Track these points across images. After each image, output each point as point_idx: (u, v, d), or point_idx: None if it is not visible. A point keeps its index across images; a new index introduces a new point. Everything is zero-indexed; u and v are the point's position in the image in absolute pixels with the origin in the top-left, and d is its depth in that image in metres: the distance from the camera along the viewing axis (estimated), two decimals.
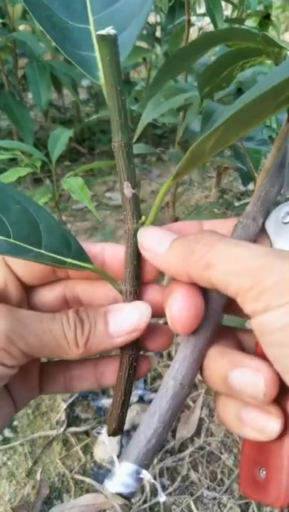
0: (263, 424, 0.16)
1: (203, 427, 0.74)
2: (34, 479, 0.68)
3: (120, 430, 0.21)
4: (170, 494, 0.66)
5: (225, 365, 0.17)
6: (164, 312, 0.20)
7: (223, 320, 0.20)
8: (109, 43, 0.17)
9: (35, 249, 0.19)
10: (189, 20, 0.71)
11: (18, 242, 0.19)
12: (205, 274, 0.17)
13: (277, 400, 0.16)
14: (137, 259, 0.20)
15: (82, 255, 0.20)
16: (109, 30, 0.17)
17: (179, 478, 0.68)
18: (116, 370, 0.22)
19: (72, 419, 0.76)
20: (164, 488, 0.66)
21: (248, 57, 0.46)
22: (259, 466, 0.16)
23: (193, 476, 0.68)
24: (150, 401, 0.77)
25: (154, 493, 0.65)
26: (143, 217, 0.20)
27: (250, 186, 1.10)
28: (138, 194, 0.19)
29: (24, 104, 1.16)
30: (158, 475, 0.68)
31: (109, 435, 0.21)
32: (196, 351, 0.18)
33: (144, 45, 1.21)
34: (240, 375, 0.16)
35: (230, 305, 0.19)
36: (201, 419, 0.76)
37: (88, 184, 0.71)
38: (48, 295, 0.22)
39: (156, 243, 0.18)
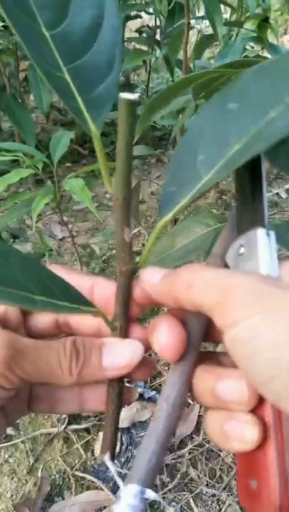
0: (243, 433, 0.17)
1: (202, 425, 0.75)
2: (35, 476, 0.68)
3: (114, 451, 0.23)
4: (170, 491, 0.66)
5: (211, 380, 0.19)
6: (148, 348, 0.22)
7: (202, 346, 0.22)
8: (131, 108, 0.18)
9: (45, 299, 0.20)
10: (189, 23, 0.72)
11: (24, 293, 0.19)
12: (187, 294, 0.19)
13: (255, 412, 0.18)
14: (128, 298, 0.22)
15: (86, 302, 0.21)
16: (132, 95, 0.17)
17: (178, 476, 0.68)
18: (99, 397, 0.24)
19: (72, 417, 0.76)
20: (163, 484, 0.67)
21: (249, 66, 0.47)
22: (251, 478, 0.17)
23: (193, 473, 0.69)
24: (150, 399, 0.78)
25: (153, 490, 0.66)
26: (138, 258, 0.22)
27: None
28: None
29: (26, 107, 1.17)
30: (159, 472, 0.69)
31: (103, 453, 0.23)
32: (184, 375, 0.20)
33: (144, 48, 1.22)
34: (225, 384, 0.18)
35: (208, 334, 0.22)
36: (200, 417, 0.76)
37: (89, 185, 0.72)
38: (42, 319, 0.24)
39: (151, 276, 0.21)
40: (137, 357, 0.21)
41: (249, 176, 0.21)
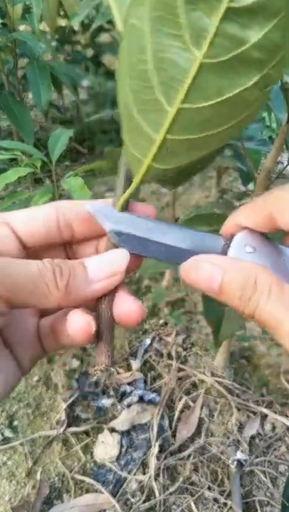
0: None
1: (204, 427, 0.74)
2: (34, 479, 0.68)
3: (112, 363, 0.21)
4: (171, 494, 0.66)
5: None
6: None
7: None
8: None
9: None
10: None
11: None
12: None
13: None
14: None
15: None
16: None
17: (179, 479, 0.68)
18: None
19: (72, 419, 0.76)
20: (164, 487, 0.66)
21: None
22: None
23: (194, 476, 0.68)
24: (150, 401, 0.77)
25: (153, 493, 0.65)
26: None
27: (250, 186, 1.10)
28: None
29: (24, 105, 1.16)
30: (159, 475, 0.68)
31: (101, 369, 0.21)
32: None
33: None
34: None
35: None
36: (200, 419, 0.76)
37: (88, 184, 0.71)
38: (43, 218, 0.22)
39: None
40: (124, 263, 0.20)
41: None
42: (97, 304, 0.21)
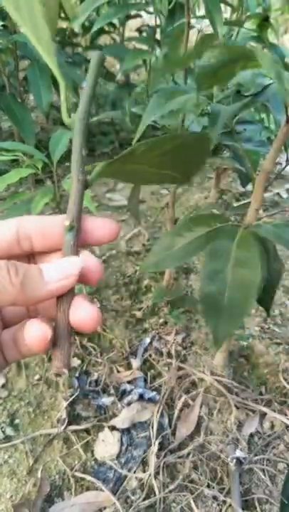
0: None
1: (203, 426, 0.75)
2: (35, 477, 0.68)
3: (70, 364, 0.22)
4: (170, 492, 0.66)
5: None
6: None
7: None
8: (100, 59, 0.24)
9: None
10: (189, 23, 0.71)
11: None
12: None
13: None
14: (81, 203, 0.23)
15: None
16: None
17: (179, 477, 0.68)
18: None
19: (72, 418, 0.76)
20: (164, 485, 0.67)
21: (250, 59, 0.46)
22: None
23: (193, 474, 0.69)
24: (150, 399, 0.78)
25: (153, 490, 0.66)
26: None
27: (249, 187, 1.11)
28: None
29: (25, 106, 1.17)
30: (159, 473, 0.68)
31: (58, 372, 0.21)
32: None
33: (144, 47, 1.22)
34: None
35: None
36: (200, 418, 0.76)
37: None
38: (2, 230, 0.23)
39: None
40: (78, 266, 0.21)
41: None
42: (56, 311, 0.22)
